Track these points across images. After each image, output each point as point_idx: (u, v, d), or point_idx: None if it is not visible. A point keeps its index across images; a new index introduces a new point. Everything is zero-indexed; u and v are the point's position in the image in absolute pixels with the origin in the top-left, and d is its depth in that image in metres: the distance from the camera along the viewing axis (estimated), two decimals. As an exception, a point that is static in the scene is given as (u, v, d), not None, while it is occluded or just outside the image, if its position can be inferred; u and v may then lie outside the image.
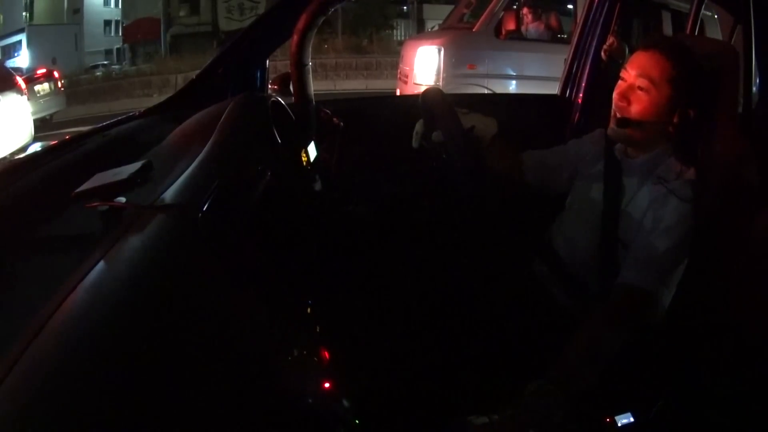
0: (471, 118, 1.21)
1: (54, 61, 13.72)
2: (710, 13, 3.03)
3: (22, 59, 16.38)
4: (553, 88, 2.09)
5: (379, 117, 1.73)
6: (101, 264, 0.56)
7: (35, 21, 18.34)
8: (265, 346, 0.65)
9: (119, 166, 0.79)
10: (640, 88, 1.05)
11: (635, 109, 1.06)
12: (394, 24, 16.64)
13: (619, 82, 1.09)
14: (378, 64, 11.53)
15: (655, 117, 1.06)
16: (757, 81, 1.16)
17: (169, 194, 0.72)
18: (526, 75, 4.26)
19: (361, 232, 1.37)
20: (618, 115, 1.08)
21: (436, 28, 9.75)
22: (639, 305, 1.01)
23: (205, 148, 0.86)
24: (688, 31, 2.12)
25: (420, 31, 15.18)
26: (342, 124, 1.43)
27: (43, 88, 7.45)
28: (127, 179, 0.74)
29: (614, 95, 1.09)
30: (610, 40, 1.80)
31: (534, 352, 1.01)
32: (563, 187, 1.29)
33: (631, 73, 1.07)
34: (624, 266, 1.05)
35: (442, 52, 4.16)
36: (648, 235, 1.04)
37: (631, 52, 1.14)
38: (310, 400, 0.70)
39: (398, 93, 4.75)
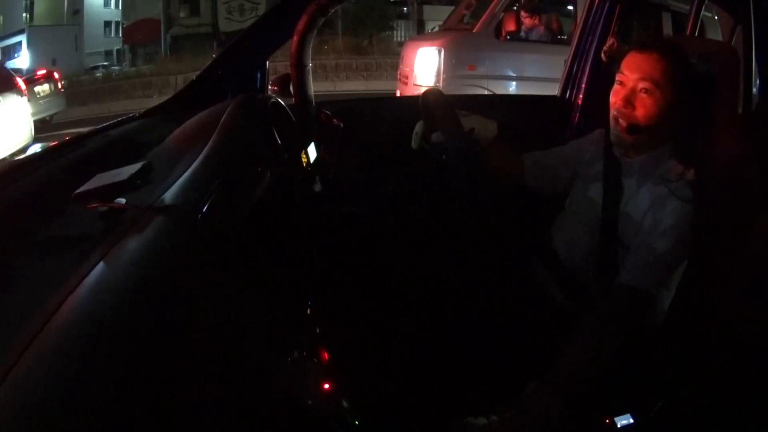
0: (471, 120, 1.21)
1: (54, 62, 13.74)
2: (710, 14, 3.04)
3: (22, 60, 16.41)
4: (553, 89, 2.09)
5: (379, 118, 1.73)
6: (101, 265, 0.56)
7: (35, 22, 18.37)
8: (265, 346, 0.65)
9: (119, 167, 0.79)
10: (644, 91, 1.04)
11: (641, 113, 1.05)
12: (394, 25, 16.63)
13: (617, 86, 1.08)
14: (378, 65, 11.54)
15: (661, 119, 1.05)
16: (757, 82, 1.16)
17: (169, 195, 0.72)
18: (526, 76, 4.26)
19: (361, 232, 1.37)
20: (623, 121, 1.06)
21: (436, 29, 9.75)
22: (638, 306, 1.01)
23: (205, 150, 0.86)
24: (688, 32, 2.12)
25: (420, 33, 15.20)
26: (342, 125, 1.43)
27: (43, 89, 7.45)
28: (127, 180, 0.75)
29: (615, 100, 1.07)
30: (610, 41, 1.80)
31: (533, 353, 1.01)
32: (563, 188, 1.29)
33: (630, 77, 1.05)
34: (623, 267, 1.05)
35: (442, 54, 4.16)
36: (648, 236, 1.04)
37: None
38: (309, 401, 0.70)
39: (398, 94, 4.76)
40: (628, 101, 1.05)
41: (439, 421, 0.88)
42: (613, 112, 1.09)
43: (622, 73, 1.07)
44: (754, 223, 1.03)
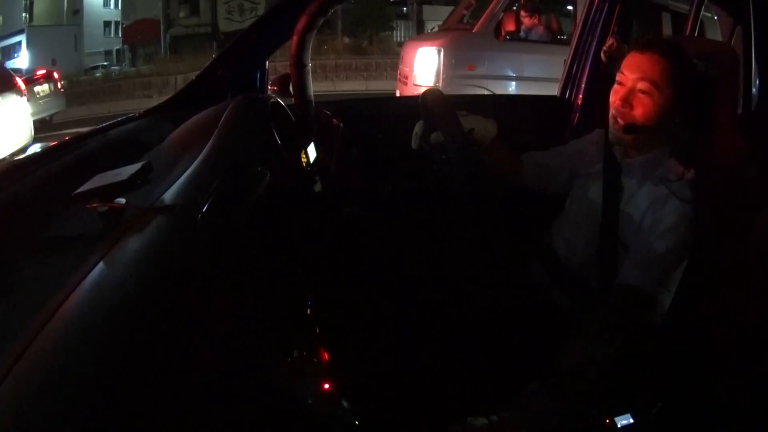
0: (471, 120, 1.21)
1: (54, 62, 13.74)
2: (710, 14, 3.04)
3: (22, 60, 16.42)
4: (553, 89, 2.09)
5: (378, 118, 1.73)
6: (101, 265, 0.56)
7: (35, 22, 18.36)
8: (265, 346, 0.65)
9: (119, 167, 0.79)
10: (642, 92, 1.03)
11: (639, 113, 1.05)
12: (394, 25, 16.61)
13: (616, 86, 1.08)
14: (378, 65, 11.53)
15: (659, 119, 1.05)
16: (757, 82, 1.16)
17: (168, 195, 0.72)
18: (526, 76, 4.26)
19: (361, 232, 1.37)
20: (621, 120, 1.06)
21: (436, 29, 9.75)
22: (638, 307, 1.01)
23: (205, 149, 0.86)
24: (687, 33, 2.12)
25: (420, 33, 15.20)
26: (342, 125, 1.43)
27: (42, 89, 7.45)
28: (126, 180, 0.74)
29: (614, 100, 1.07)
30: (610, 41, 1.80)
31: (533, 353, 1.01)
32: (562, 188, 1.29)
33: (630, 77, 1.05)
34: (623, 267, 1.05)
35: (442, 54, 4.16)
36: (648, 236, 1.04)
37: None
38: (309, 401, 0.70)
39: (398, 94, 4.76)
40: (627, 101, 1.05)
41: (439, 422, 0.88)
42: (611, 111, 1.09)
43: (622, 72, 1.07)
44: (754, 223, 1.03)
